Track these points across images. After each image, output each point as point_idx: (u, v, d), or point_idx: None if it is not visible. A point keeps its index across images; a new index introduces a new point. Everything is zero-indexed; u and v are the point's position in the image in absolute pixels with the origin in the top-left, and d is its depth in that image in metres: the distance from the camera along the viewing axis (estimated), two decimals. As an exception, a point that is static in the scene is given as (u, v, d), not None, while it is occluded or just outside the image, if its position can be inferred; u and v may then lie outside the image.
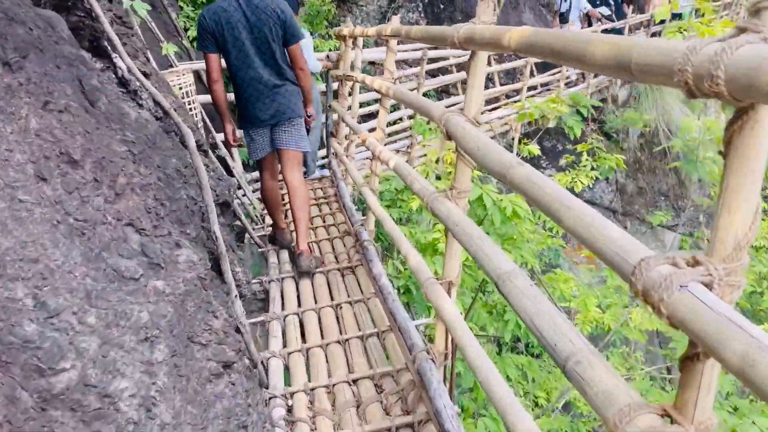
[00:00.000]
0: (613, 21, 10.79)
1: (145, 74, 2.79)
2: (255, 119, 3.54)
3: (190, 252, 1.92)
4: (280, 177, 3.88)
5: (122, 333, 1.37)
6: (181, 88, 4.39)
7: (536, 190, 1.38)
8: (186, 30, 6.82)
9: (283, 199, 5.29)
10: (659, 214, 9.78)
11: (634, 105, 11.86)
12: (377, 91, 3.59)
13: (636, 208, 12.66)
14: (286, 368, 2.88)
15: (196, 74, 6.16)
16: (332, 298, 3.47)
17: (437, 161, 5.01)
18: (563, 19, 10.38)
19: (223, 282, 2.55)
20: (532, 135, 10.76)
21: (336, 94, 5.61)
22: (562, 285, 4.11)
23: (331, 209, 4.97)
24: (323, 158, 7.10)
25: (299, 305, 3.40)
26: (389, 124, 8.19)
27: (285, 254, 4.16)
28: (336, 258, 3.99)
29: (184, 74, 4.41)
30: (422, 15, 11.64)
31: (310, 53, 5.55)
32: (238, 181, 5.28)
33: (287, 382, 2.81)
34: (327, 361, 2.85)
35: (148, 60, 2.92)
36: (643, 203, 12.67)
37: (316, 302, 3.41)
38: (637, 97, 12.07)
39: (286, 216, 4.85)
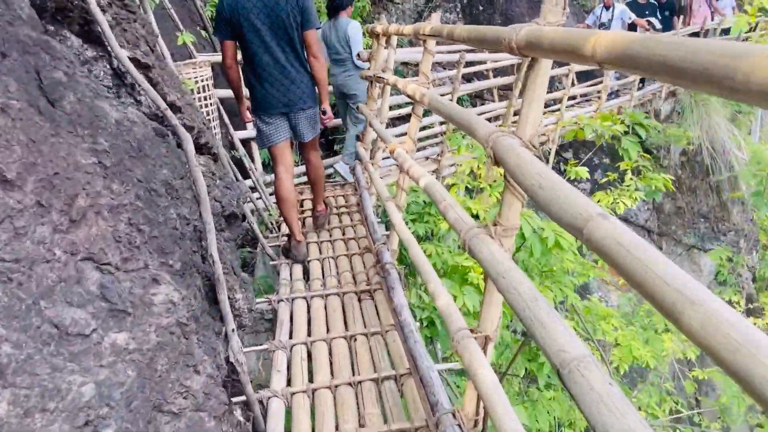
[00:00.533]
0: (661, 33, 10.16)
1: (145, 66, 2.43)
2: (268, 106, 3.51)
3: (171, 289, 1.55)
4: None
5: (49, 421, 1.01)
6: (197, 81, 4.05)
7: (632, 261, 0.97)
8: (212, 19, 6.50)
9: (302, 206, 4.95)
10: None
11: (677, 121, 11.28)
12: (410, 97, 3.19)
13: (673, 228, 12.06)
14: (288, 410, 2.51)
15: (220, 66, 5.83)
16: (346, 327, 3.09)
17: (470, 173, 4.60)
18: (604, 29, 9.67)
19: (218, 312, 2.19)
20: (566, 146, 10.27)
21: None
22: (603, 324, 3.66)
23: (352, 220, 4.59)
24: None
25: (309, 333, 3.02)
26: (419, 129, 7.80)
27: (298, 269, 3.80)
28: (353, 278, 3.60)
29: (201, 66, 4.07)
30: (460, 16, 11.22)
31: (359, 46, 5.21)
32: (255, 183, 4.93)
33: (288, 424, 2.44)
34: (335, 407, 2.47)
35: (153, 49, 2.57)
36: (681, 224, 12.06)
37: (328, 330, 3.03)
38: (681, 112, 11.48)
39: (303, 225, 4.49)
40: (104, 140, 1.49)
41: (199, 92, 4.08)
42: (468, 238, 1.82)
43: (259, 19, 3.25)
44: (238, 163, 4.76)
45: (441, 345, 3.44)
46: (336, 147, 6.96)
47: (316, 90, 3.61)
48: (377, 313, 3.17)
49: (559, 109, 7.92)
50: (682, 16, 11.38)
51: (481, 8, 10.79)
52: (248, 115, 3.72)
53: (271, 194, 5.60)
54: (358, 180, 5.02)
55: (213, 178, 2.67)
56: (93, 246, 1.30)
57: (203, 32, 4.66)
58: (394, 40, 4.58)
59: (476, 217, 3.80)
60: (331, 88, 5.44)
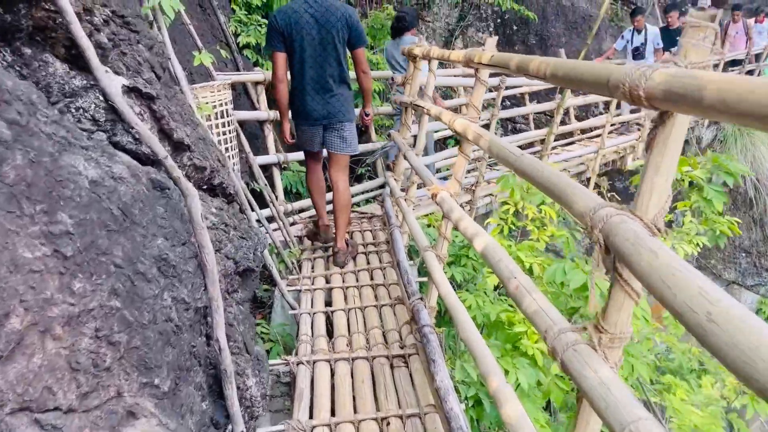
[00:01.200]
0: None
1: (148, 96, 2.01)
2: (308, 117, 3.66)
3: (154, 424, 1.10)
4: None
5: None
6: (215, 106, 3.64)
7: None
8: (236, 35, 6.14)
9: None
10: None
11: (720, 150, 10.67)
12: (458, 134, 2.74)
13: (712, 262, 11.42)
14: None
15: (242, 86, 5.45)
16: (377, 402, 2.62)
17: (515, 213, 4.13)
18: (638, 54, 8.91)
19: (224, 407, 1.73)
20: (600, 173, 9.70)
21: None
22: (687, 419, 3.10)
23: (381, 261, 4.13)
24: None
25: (333, 411, 2.56)
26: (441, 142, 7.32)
27: (319, 320, 3.35)
28: (384, 337, 3.14)
29: (220, 90, 3.66)
30: (492, 36, 10.78)
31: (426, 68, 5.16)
32: (275, 214, 4.50)
33: None
34: None
35: (159, 76, 2.15)
36: (721, 258, 11.42)
37: (355, 409, 2.56)
38: (723, 140, 10.88)
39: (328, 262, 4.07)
40: (67, 216, 1.06)
41: (217, 117, 3.67)
42: (560, 348, 1.34)
43: (311, 34, 3.43)
44: (256, 197, 4.33)
45: (488, 426, 2.95)
46: (359, 171, 6.54)
47: (353, 107, 3.79)
48: (413, 386, 2.70)
49: (599, 136, 7.41)
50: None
51: (515, 28, 10.36)
52: (289, 135, 3.89)
53: (292, 224, 5.18)
54: (388, 214, 4.57)
55: (226, 230, 2.23)
56: (31, 388, 0.86)
57: (222, 51, 4.24)
58: (435, 64, 4.16)
59: (530, 271, 3.33)
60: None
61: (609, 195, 6.71)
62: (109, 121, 1.85)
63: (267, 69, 6.07)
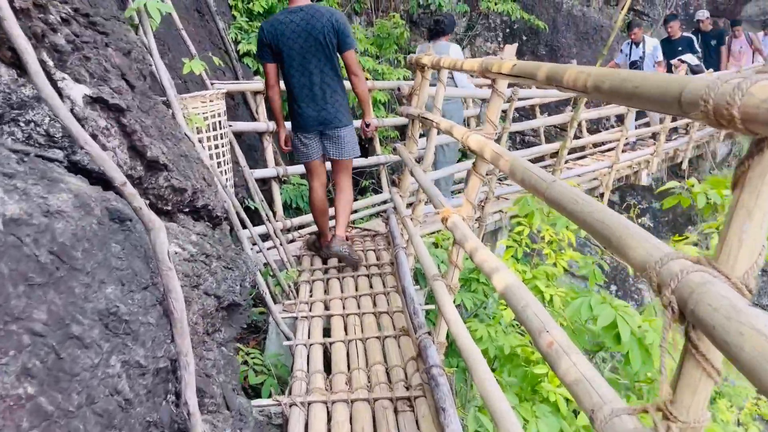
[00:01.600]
0: (702, 71, 8.74)
1: (116, 108, 1.73)
2: (304, 124, 3.67)
3: None
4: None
5: None
6: (207, 118, 3.36)
7: None
8: (237, 42, 5.88)
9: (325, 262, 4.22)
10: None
11: (734, 165, 10.31)
12: (472, 152, 2.46)
13: None
14: None
15: (242, 96, 5.19)
16: (378, 455, 2.32)
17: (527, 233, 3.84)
18: (635, 68, 8.44)
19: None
20: (612, 189, 9.38)
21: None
22: None
23: (384, 285, 3.83)
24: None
25: (328, 465, 2.26)
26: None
27: (316, 353, 3.06)
28: (387, 375, 2.84)
29: (212, 99, 3.39)
30: (500, 46, 10.54)
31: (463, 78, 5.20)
32: (271, 231, 4.21)
33: None
34: None
35: (132, 85, 1.87)
36: None
37: (354, 464, 2.26)
38: (738, 155, 10.56)
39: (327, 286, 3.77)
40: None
41: (209, 130, 3.40)
42: (615, 438, 1.04)
43: (297, 43, 3.43)
44: (250, 215, 4.05)
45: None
46: (363, 183, 6.26)
47: (349, 111, 3.78)
48: (420, 435, 2.40)
49: (612, 149, 7.12)
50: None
51: (524, 38, 10.09)
52: (283, 142, 3.91)
53: (290, 242, 4.90)
54: (393, 234, 4.28)
55: (207, 262, 1.94)
56: None
57: (216, 59, 3.98)
58: (445, 74, 3.88)
59: (550, 302, 3.02)
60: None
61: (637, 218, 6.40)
62: (68, 137, 1.57)
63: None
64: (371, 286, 3.84)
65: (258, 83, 4.93)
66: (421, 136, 4.39)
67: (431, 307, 3.61)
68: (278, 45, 3.45)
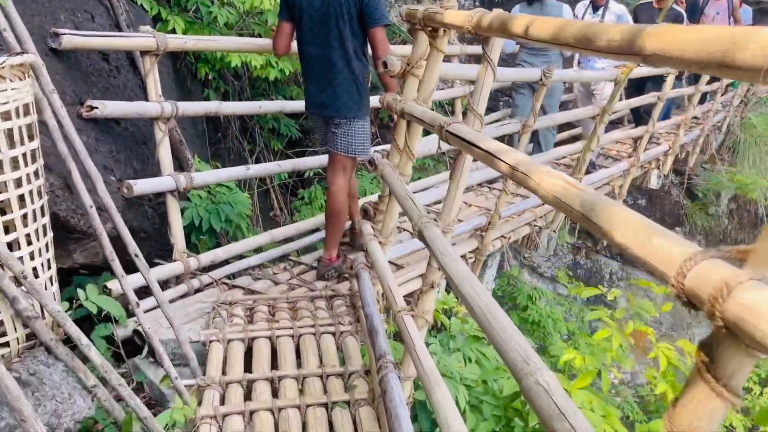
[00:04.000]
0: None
1: None
2: (306, 102, 3.33)
3: None
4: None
5: None
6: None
7: None
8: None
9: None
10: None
11: (729, 158, 9.15)
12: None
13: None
14: None
15: (127, 56, 3.31)
16: None
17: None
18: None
19: None
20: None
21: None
22: None
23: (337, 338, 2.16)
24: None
25: None
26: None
27: None
28: None
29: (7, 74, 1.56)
30: (475, 3, 8.90)
31: None
32: (154, 294, 2.43)
33: None
34: None
35: None
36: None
37: None
38: (732, 148, 9.35)
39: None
40: None
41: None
42: None
43: (312, 5, 3.01)
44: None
45: None
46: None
47: (358, 101, 3.16)
48: None
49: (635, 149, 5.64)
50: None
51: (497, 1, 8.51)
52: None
53: (197, 291, 3.17)
54: (363, 297, 2.63)
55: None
56: None
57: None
58: (444, 42, 2.26)
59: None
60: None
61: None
62: None
63: (165, 29, 3.94)
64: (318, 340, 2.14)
65: (146, 38, 3.03)
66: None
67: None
68: (299, 8, 3.04)
